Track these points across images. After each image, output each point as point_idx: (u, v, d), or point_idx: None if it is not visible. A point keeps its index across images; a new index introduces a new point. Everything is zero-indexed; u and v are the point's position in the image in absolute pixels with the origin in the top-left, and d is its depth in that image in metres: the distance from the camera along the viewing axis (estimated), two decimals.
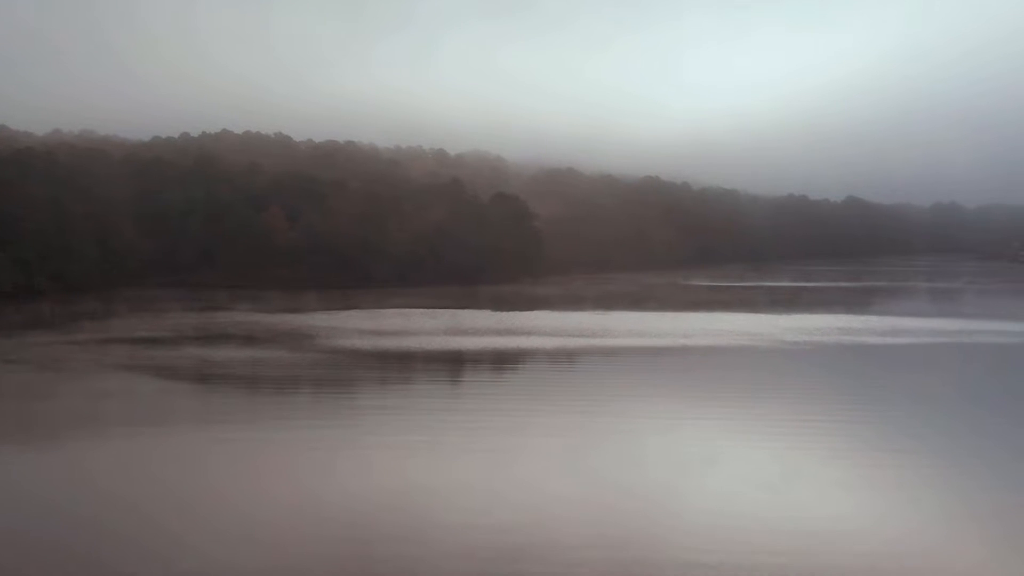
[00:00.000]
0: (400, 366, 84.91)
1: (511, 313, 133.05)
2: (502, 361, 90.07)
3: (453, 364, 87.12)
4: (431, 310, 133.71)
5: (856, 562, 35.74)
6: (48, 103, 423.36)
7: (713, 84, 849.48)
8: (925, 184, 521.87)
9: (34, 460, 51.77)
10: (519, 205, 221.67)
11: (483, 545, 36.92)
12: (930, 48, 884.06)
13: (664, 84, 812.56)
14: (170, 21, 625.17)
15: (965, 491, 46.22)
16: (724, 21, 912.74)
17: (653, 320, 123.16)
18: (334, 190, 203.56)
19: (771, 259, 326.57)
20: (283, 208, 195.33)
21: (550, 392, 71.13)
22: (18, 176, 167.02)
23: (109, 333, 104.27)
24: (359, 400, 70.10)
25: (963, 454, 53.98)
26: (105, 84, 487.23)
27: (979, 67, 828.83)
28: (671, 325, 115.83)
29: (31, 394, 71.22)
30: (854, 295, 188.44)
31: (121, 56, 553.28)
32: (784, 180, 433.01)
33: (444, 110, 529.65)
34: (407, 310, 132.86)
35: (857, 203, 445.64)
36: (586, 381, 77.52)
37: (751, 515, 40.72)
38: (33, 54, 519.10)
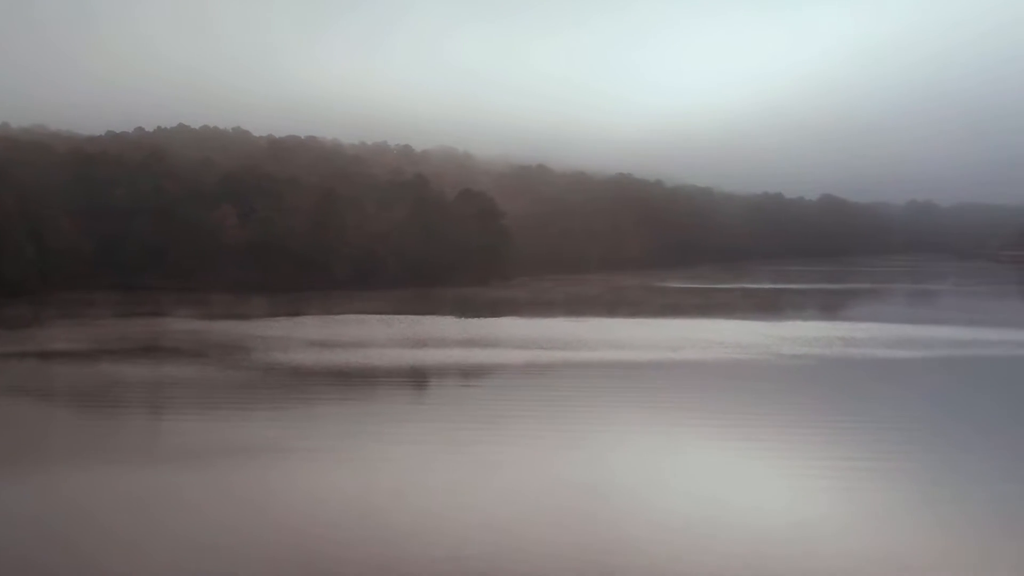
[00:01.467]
0: (341, 388, 73.23)
1: (476, 320, 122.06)
2: (467, 377, 79.19)
3: (405, 386, 75.64)
4: (390, 316, 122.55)
5: None
6: None
7: (686, 80, 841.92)
8: (900, 182, 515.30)
9: None
10: (486, 203, 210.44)
11: None
12: (904, 45, 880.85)
13: (636, 80, 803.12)
14: (115, 14, 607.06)
15: None
16: (698, 16, 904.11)
17: (631, 328, 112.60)
18: (290, 187, 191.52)
19: (746, 258, 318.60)
20: (236, 206, 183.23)
21: (520, 427, 57.86)
22: None
23: (23, 345, 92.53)
24: (263, 435, 55.10)
25: None
26: (53, 79, 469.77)
27: (954, 65, 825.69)
28: (651, 334, 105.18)
29: None
30: (840, 298, 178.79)
31: (68, 50, 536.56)
32: (759, 178, 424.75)
33: (409, 105, 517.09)
34: (363, 316, 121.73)
35: (832, 201, 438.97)
36: (563, 411, 63.24)
37: None
38: None
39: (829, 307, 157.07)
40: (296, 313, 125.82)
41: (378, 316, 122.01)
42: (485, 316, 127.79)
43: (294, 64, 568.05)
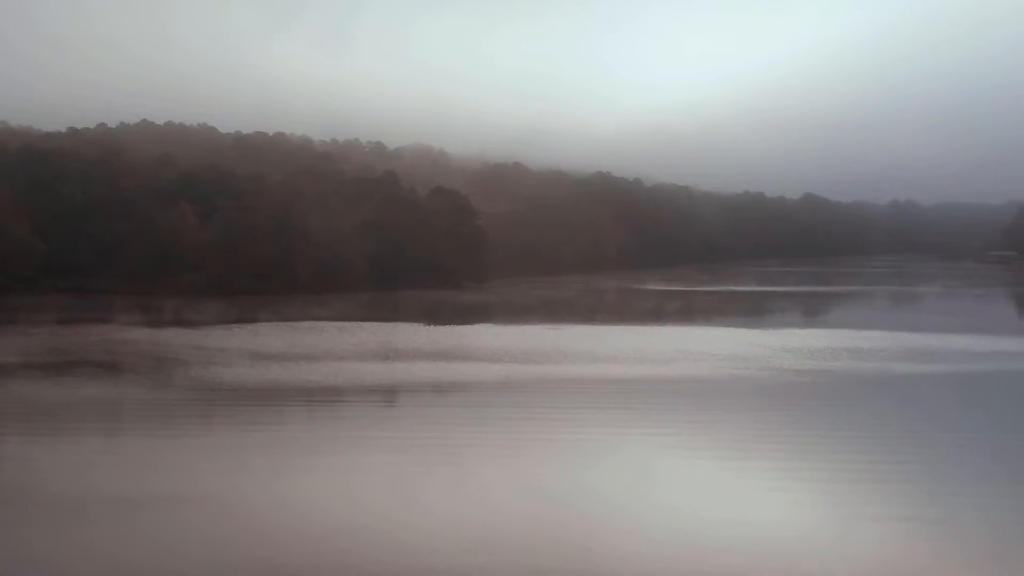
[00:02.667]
0: (278, 411, 63.50)
1: (447, 328, 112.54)
2: (431, 397, 69.78)
3: (355, 409, 65.77)
4: (354, 323, 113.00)
5: None
6: None
7: (666, 77, 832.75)
8: (882, 181, 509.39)
9: None
10: (460, 201, 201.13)
11: None
12: (884, 44, 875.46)
13: (615, 76, 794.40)
14: (77, 9, 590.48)
15: None
16: (678, 12, 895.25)
17: (615, 337, 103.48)
18: (253, 185, 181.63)
19: (727, 259, 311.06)
20: (195, 205, 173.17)
21: (495, 473, 46.65)
22: None
23: None
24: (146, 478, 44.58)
25: None
26: (12, 75, 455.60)
27: (936, 64, 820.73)
28: (636, 344, 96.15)
29: None
30: (830, 302, 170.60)
31: (28, 47, 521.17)
32: (739, 176, 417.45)
33: (381, 101, 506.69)
34: (325, 323, 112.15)
35: (814, 200, 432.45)
36: (546, 445, 52.10)
37: None
38: None
39: (821, 312, 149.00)
40: (252, 319, 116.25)
41: (340, 323, 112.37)
42: (457, 323, 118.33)
43: (263, 59, 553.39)
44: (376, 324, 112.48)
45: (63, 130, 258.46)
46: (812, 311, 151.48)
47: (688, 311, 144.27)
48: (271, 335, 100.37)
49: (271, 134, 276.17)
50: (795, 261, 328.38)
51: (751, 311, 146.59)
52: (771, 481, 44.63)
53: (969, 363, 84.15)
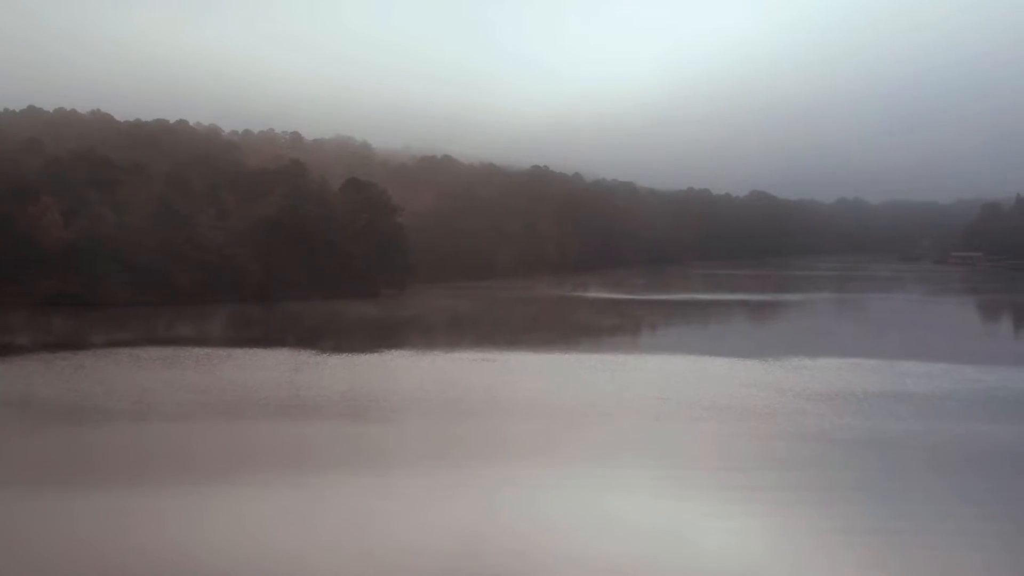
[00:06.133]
0: None
1: (344, 359, 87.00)
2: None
3: None
4: (223, 351, 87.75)
5: None
6: None
7: (606, 66, 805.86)
8: (829, 179, 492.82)
9: None
10: (377, 195, 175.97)
11: None
12: (831, 39, 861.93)
13: (551, 65, 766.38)
14: None
15: None
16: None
17: (568, 369, 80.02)
18: (131, 176, 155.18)
19: (672, 259, 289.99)
20: (60, 199, 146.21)
21: None
22: None
23: None
24: None
25: None
26: None
27: (882, 60, 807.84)
28: (589, 382, 72.54)
29: None
30: (807, 315, 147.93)
31: None
32: (684, 172, 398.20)
33: (297, 88, 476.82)
34: (180, 351, 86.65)
35: (761, 197, 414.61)
36: None
37: None
38: None
39: (809, 329, 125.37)
40: (83, 345, 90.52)
41: (201, 350, 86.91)
42: (357, 351, 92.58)
43: (169, 43, 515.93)
44: (247, 352, 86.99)
45: None
46: (800, 327, 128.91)
47: (649, 324, 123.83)
48: (86, 369, 75.36)
49: (172, 122, 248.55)
50: (743, 262, 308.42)
51: (729, 332, 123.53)
52: None
53: None
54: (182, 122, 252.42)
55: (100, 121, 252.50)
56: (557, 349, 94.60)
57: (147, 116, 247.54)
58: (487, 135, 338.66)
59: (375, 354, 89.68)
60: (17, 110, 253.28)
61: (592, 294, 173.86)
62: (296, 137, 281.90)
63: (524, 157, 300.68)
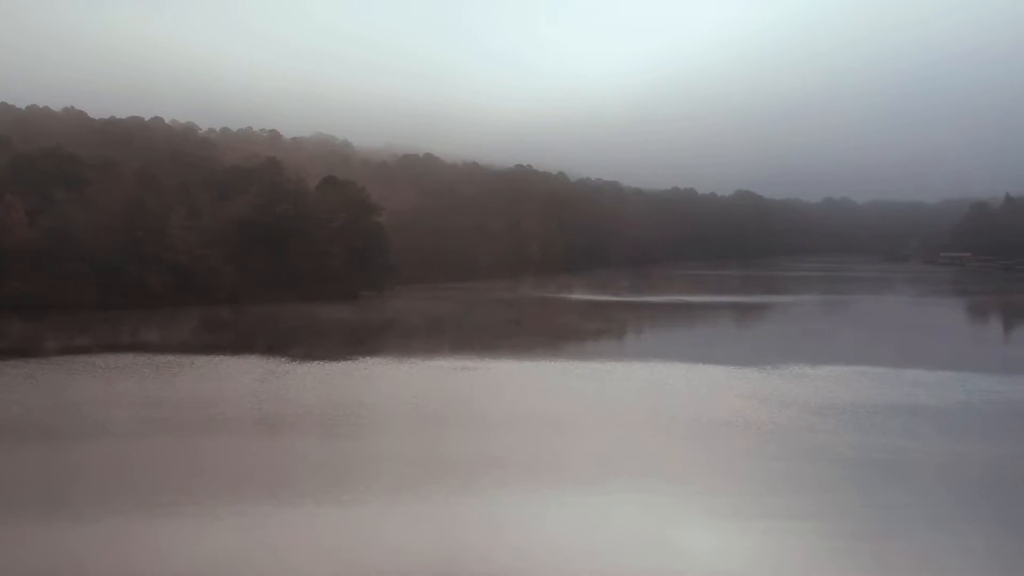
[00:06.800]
0: None
1: (315, 367, 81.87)
2: None
3: None
4: (183, 358, 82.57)
5: None
6: None
7: (591, 65, 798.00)
8: (815, 178, 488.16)
9: None
10: (356, 193, 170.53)
11: None
12: (819, 36, 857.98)
13: (534, 63, 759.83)
14: None
15: None
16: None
17: (555, 379, 75.35)
18: (100, 174, 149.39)
19: (657, 259, 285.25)
20: (25, 198, 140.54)
21: None
22: None
23: None
24: None
25: None
26: None
27: (867, 57, 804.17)
28: (589, 396, 67.85)
29: None
30: (799, 318, 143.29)
31: None
32: (669, 172, 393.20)
33: (276, 86, 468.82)
34: (140, 358, 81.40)
35: (747, 197, 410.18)
36: None
37: None
38: None
39: (804, 334, 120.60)
40: (38, 352, 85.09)
41: (164, 357, 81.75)
42: (330, 358, 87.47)
43: (148, 41, 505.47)
44: (211, 360, 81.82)
45: None
46: (796, 331, 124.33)
47: (637, 329, 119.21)
48: (44, 380, 69.94)
49: (148, 119, 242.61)
50: (729, 262, 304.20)
51: (718, 338, 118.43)
52: None
53: None
54: (157, 119, 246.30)
55: (73, 118, 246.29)
56: (542, 356, 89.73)
57: (122, 114, 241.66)
58: (470, 133, 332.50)
59: (348, 361, 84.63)
60: None
61: (576, 296, 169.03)
62: (275, 135, 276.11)
63: (507, 156, 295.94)
